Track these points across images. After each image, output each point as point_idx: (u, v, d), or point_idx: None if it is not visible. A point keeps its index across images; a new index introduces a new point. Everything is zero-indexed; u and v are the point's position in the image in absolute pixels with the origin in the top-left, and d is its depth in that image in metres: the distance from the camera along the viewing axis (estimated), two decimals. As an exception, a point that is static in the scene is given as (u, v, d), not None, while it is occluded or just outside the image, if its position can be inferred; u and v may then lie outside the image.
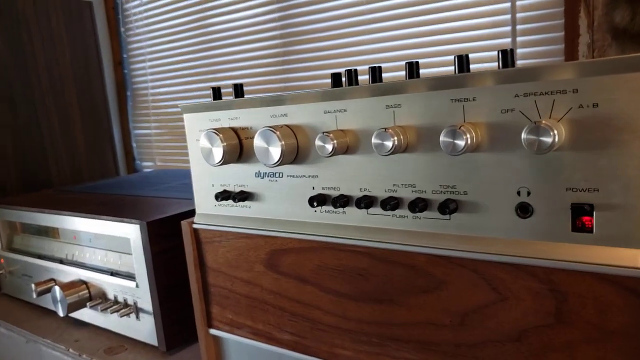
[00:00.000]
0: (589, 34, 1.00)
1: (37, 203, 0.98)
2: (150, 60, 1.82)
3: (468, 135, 0.39)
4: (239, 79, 1.56)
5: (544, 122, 0.36)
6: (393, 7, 1.23)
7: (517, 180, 0.40)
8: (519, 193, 0.40)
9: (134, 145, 1.92)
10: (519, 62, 1.08)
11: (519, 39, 1.09)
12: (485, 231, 0.42)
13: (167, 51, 1.75)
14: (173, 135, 1.77)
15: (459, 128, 0.39)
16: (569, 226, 0.38)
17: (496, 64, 0.41)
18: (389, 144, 0.43)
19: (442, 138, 0.40)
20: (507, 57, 0.41)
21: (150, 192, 0.99)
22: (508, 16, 1.09)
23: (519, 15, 1.08)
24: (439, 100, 0.42)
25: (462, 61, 0.43)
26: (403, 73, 0.46)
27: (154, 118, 1.83)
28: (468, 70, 0.43)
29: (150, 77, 1.83)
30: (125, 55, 1.90)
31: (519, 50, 1.09)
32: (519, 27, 1.09)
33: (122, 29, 1.88)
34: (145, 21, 1.81)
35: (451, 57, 1.14)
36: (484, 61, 1.10)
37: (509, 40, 1.09)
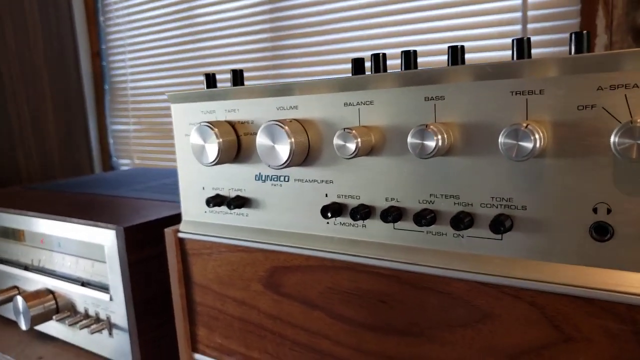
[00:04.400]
0: (607, 35, 0.93)
1: (1, 201, 0.87)
2: (131, 52, 1.71)
3: (537, 136, 0.31)
4: (226, 73, 1.46)
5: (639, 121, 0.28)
6: (392, 2, 1.15)
7: (594, 194, 0.32)
8: (595, 210, 0.32)
9: (111, 141, 1.81)
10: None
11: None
12: (549, 256, 0.34)
13: (149, 43, 1.65)
14: (153, 132, 1.67)
15: (525, 127, 0.31)
16: (662, 254, 0.30)
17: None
18: (431, 144, 0.35)
19: (502, 139, 0.32)
20: (581, 40, 0.33)
21: (128, 193, 0.89)
22: (519, 14, 1.02)
23: (530, 13, 1.01)
24: (493, 93, 0.34)
25: (523, 45, 0.35)
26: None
27: (133, 113, 1.73)
28: (529, 56, 0.35)
29: (130, 70, 1.73)
30: (103, 46, 1.79)
31: (529, 51, 1.02)
32: (530, 26, 1.02)
33: (101, 18, 1.77)
34: (126, 10, 1.70)
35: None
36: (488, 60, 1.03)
37: (528, 37, 1.02)
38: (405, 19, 1.14)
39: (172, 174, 1.15)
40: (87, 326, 0.69)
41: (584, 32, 0.33)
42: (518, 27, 1.03)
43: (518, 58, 0.35)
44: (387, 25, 1.17)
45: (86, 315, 0.71)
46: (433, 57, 1.09)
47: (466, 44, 1.11)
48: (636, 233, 0.31)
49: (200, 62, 1.52)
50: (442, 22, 1.10)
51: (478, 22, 1.06)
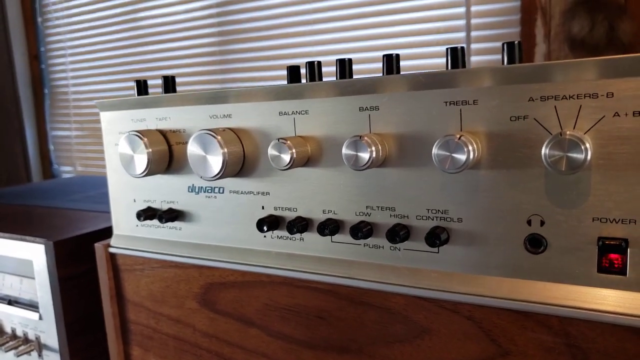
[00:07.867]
0: (546, 43, 0.96)
1: None
2: (72, 55, 1.65)
3: (470, 148, 0.31)
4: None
5: (569, 133, 0.28)
6: (340, 8, 1.15)
7: (528, 207, 0.31)
8: (529, 222, 0.32)
9: (52, 148, 1.73)
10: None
11: (472, 45, 1.04)
12: (485, 269, 0.33)
13: (92, 46, 1.59)
14: (96, 138, 1.61)
15: (459, 138, 0.31)
16: (593, 266, 0.30)
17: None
18: (365, 155, 0.33)
19: (435, 151, 0.31)
20: (513, 50, 0.33)
21: (64, 203, 0.85)
22: (463, 21, 1.04)
23: (473, 21, 1.03)
24: (428, 103, 0.33)
25: (457, 55, 0.34)
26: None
27: (75, 119, 1.66)
28: (464, 65, 0.34)
29: (71, 74, 1.66)
30: (42, 49, 1.71)
31: (472, 58, 1.04)
32: (473, 33, 1.03)
33: (39, 19, 1.69)
34: (67, 12, 1.63)
35: (405, 63, 1.08)
36: (433, 68, 1.04)
37: (462, 46, 1.04)
38: (354, 25, 1.15)
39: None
40: (15, 347, 0.65)
41: (516, 42, 0.33)
42: (462, 34, 1.05)
43: (452, 67, 0.34)
44: (339, 31, 1.16)
45: (13, 336, 0.67)
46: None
47: (410, 51, 1.11)
48: (568, 245, 0.31)
49: (146, 66, 1.48)
50: (388, 29, 1.10)
51: (422, 30, 1.07)
